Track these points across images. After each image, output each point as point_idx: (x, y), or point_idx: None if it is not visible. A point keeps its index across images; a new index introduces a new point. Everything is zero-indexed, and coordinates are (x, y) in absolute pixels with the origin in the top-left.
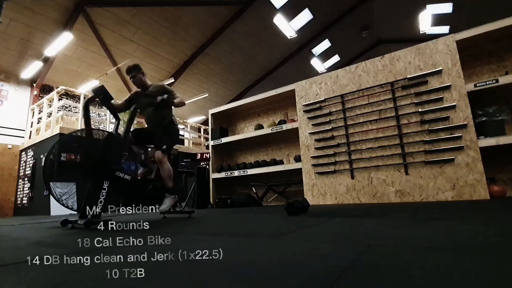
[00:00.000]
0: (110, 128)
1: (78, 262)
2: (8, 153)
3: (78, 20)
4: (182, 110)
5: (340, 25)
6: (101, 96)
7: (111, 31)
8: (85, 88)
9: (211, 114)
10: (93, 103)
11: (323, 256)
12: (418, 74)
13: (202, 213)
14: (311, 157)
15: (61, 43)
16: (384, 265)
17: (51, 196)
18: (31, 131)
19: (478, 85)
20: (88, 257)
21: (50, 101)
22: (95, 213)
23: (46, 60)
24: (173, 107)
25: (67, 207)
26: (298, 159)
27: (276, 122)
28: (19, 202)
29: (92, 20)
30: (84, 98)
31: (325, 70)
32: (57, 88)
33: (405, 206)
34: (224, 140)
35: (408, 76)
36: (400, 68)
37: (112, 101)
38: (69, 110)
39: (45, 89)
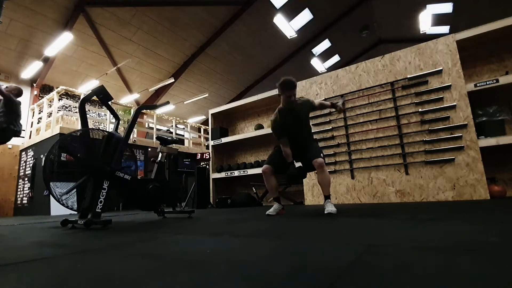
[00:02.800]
0: (110, 128)
1: (78, 262)
2: (8, 153)
3: (78, 20)
4: (182, 110)
5: (340, 25)
6: (101, 96)
7: (111, 31)
8: (85, 88)
9: (211, 114)
10: (92, 103)
11: (323, 256)
12: (418, 74)
13: (202, 213)
14: None
15: (61, 43)
16: (384, 265)
17: (51, 196)
18: (31, 131)
19: (478, 85)
20: (88, 257)
21: (50, 101)
22: (95, 213)
23: (46, 60)
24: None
25: (67, 207)
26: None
27: None
28: (19, 202)
29: (92, 20)
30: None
31: (325, 70)
32: (57, 88)
33: (405, 206)
34: (224, 140)
35: (408, 76)
36: (400, 68)
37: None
38: (69, 110)
39: (45, 89)
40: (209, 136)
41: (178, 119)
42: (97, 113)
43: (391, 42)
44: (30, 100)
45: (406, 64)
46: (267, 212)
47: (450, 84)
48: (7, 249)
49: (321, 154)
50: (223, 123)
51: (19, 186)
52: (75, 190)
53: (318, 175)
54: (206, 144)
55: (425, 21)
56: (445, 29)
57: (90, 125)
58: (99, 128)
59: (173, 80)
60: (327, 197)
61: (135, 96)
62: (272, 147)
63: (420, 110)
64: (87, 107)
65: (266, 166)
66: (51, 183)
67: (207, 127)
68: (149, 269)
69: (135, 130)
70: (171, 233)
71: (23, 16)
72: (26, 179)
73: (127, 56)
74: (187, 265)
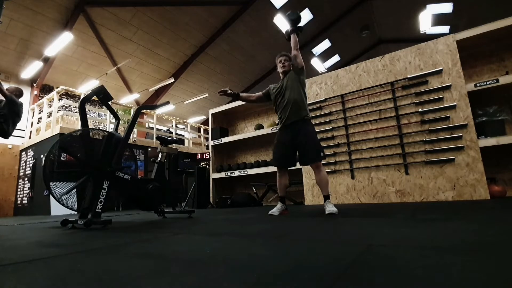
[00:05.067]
0: (110, 128)
1: (78, 262)
2: (8, 153)
3: (78, 20)
4: (182, 110)
5: (340, 25)
6: (101, 96)
7: (111, 31)
8: (85, 88)
9: (211, 114)
10: (92, 103)
11: (323, 256)
12: (418, 74)
13: (202, 213)
14: None
15: (61, 43)
16: (384, 265)
17: (51, 196)
18: (31, 131)
19: (478, 85)
20: (88, 257)
21: (50, 101)
22: (95, 213)
23: (46, 60)
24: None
25: (67, 207)
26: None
27: (276, 122)
28: (19, 202)
29: (92, 20)
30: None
31: (325, 70)
32: (57, 88)
33: (405, 206)
34: (224, 140)
35: (408, 76)
36: (400, 68)
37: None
38: (69, 110)
39: (45, 89)
40: (209, 136)
41: (178, 119)
42: (97, 113)
43: (391, 42)
44: (30, 100)
45: (406, 64)
46: (270, 212)
47: (450, 84)
48: (7, 249)
49: (322, 154)
50: (223, 123)
51: (19, 186)
52: (75, 190)
53: (315, 175)
54: (206, 144)
55: (425, 21)
56: (445, 29)
57: (90, 125)
58: (99, 128)
59: (173, 80)
60: (326, 197)
61: (135, 96)
62: (272, 147)
63: (420, 110)
64: (87, 107)
65: (278, 167)
66: (51, 183)
67: (207, 127)
68: (149, 269)
69: (135, 130)
70: (171, 233)
71: (23, 16)
72: (26, 179)
73: (127, 56)
74: (187, 265)
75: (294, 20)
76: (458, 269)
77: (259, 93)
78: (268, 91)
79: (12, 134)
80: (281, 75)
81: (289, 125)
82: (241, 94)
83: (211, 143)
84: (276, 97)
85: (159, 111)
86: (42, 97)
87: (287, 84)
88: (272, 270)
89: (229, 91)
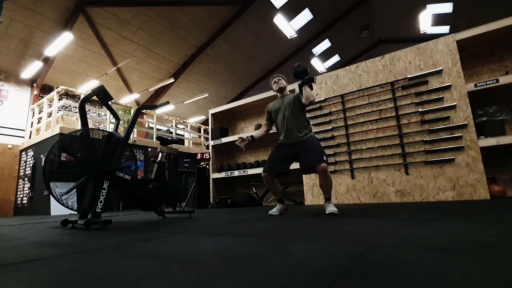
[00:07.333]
0: (110, 128)
1: (78, 262)
2: (8, 153)
3: (78, 20)
4: (182, 110)
5: (340, 25)
6: (101, 96)
7: (111, 31)
8: (85, 88)
9: (211, 114)
10: (92, 103)
11: (323, 256)
12: (418, 74)
13: (202, 213)
14: None
15: (61, 43)
16: (384, 265)
17: (51, 196)
18: (31, 131)
19: (478, 85)
20: (88, 257)
21: (50, 101)
22: (95, 213)
23: (46, 60)
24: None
25: (67, 207)
26: None
27: None
28: (19, 202)
29: (92, 20)
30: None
31: (325, 70)
32: (57, 88)
33: (405, 206)
34: (224, 140)
35: (408, 76)
36: (400, 68)
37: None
38: (69, 110)
39: (45, 89)
40: (209, 136)
41: (178, 119)
42: (97, 113)
43: (391, 42)
44: (30, 100)
45: (406, 64)
46: (270, 212)
47: (450, 84)
48: (7, 249)
49: (324, 157)
50: (223, 123)
51: (19, 186)
52: (75, 190)
53: (320, 179)
54: (206, 144)
55: (425, 21)
56: (445, 29)
57: (90, 125)
58: (99, 128)
59: (173, 80)
60: (327, 199)
61: (135, 96)
62: (272, 147)
63: (420, 110)
64: (87, 107)
65: (265, 174)
66: (51, 183)
67: (207, 127)
68: (149, 269)
69: (135, 130)
70: (171, 233)
71: (23, 16)
72: (26, 179)
73: (127, 56)
74: (187, 265)
75: (299, 73)
76: (458, 269)
77: (265, 122)
78: (269, 114)
79: (12, 134)
80: (278, 94)
81: (290, 143)
82: (254, 135)
83: (211, 143)
84: (275, 118)
85: (159, 111)
86: (42, 97)
87: (285, 105)
88: (272, 270)
89: (245, 140)
